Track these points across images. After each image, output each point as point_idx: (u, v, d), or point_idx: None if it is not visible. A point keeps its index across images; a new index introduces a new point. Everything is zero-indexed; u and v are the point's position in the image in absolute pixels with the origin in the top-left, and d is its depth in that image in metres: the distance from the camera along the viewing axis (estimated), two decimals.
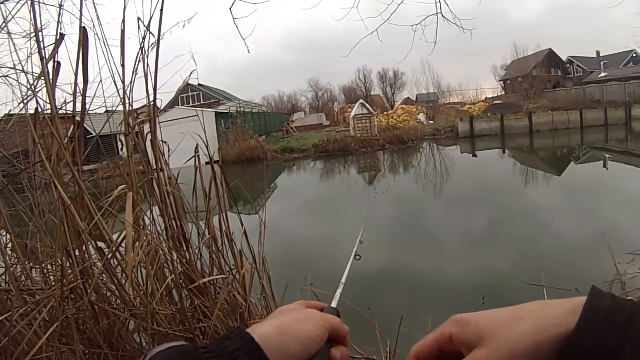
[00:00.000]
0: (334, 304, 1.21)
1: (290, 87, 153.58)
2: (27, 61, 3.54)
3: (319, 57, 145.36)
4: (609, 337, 0.70)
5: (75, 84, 3.34)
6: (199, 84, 69.08)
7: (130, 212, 3.36)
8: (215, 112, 45.60)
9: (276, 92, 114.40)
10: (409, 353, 0.93)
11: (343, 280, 1.37)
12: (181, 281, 3.79)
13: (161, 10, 3.65)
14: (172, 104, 48.46)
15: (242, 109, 52.06)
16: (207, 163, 4.52)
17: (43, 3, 3.57)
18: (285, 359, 0.89)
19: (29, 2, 3.37)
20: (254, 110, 59.65)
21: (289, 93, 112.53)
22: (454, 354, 0.87)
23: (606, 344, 0.70)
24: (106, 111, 4.12)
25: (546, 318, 0.78)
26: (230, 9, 6.01)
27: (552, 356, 0.75)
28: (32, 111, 3.40)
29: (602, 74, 71.07)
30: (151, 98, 3.85)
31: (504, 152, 40.30)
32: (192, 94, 70.86)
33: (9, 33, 3.63)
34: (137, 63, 3.71)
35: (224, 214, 4.29)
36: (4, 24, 3.65)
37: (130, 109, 3.83)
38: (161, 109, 4.77)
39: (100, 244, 3.47)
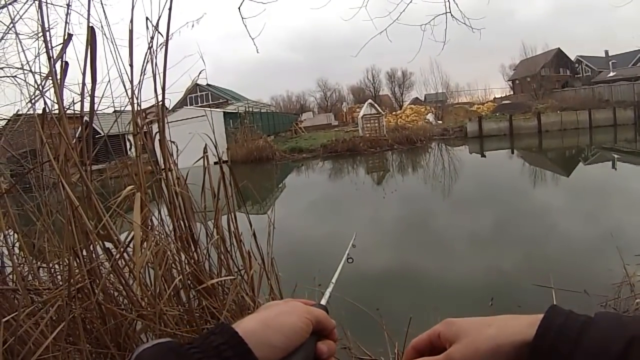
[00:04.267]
0: (323, 302, 1.21)
1: (298, 87, 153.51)
2: (35, 61, 3.55)
3: (327, 57, 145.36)
4: (561, 346, 0.84)
5: (83, 83, 3.35)
6: (208, 84, 69.26)
7: (139, 213, 3.36)
8: (224, 112, 45.64)
9: (284, 92, 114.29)
10: (409, 344, 1.11)
11: (334, 280, 1.40)
12: (189, 282, 3.79)
13: (170, 9, 3.64)
14: (181, 104, 48.57)
15: (250, 109, 52.09)
16: (215, 163, 4.52)
17: (51, 4, 3.58)
18: (268, 352, 0.90)
19: (37, 2, 3.37)
20: (262, 111, 59.69)
21: (297, 93, 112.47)
22: (442, 348, 1.03)
23: (560, 351, 0.84)
24: (115, 111, 4.12)
25: (509, 327, 0.95)
26: (239, 8, 6.00)
27: (510, 357, 0.91)
28: (40, 111, 3.40)
29: (611, 74, 70.83)
30: (159, 98, 3.84)
31: (512, 152, 40.18)
32: (200, 94, 71.04)
33: (16, 34, 3.64)
34: (145, 63, 3.71)
35: (232, 214, 4.29)
36: (12, 24, 3.66)
37: (139, 109, 3.83)
38: (170, 109, 4.77)
39: (107, 244, 3.47)
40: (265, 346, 0.90)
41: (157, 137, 4.03)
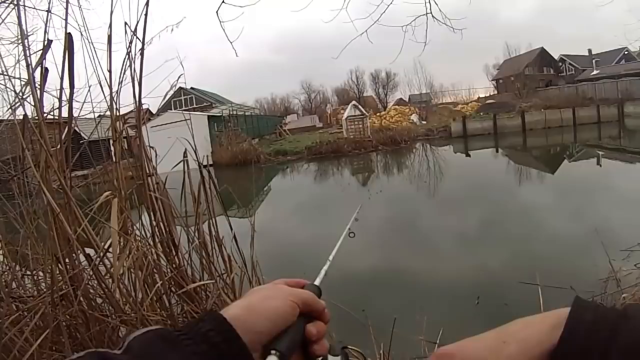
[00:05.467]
0: (317, 281, 1.20)
1: (283, 89, 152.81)
2: (15, 66, 3.53)
3: (311, 59, 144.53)
4: (592, 349, 0.71)
5: (61, 89, 3.33)
6: (192, 88, 69.29)
7: (116, 219, 3.36)
8: (208, 116, 45.61)
9: (269, 94, 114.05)
10: None
11: (331, 257, 1.36)
12: (171, 287, 3.78)
13: (145, 16, 3.64)
14: (165, 108, 48.44)
15: (235, 112, 52.09)
16: (204, 166, 4.52)
17: (32, 7, 3.56)
18: (254, 338, 0.90)
19: (16, 7, 3.36)
20: (247, 114, 59.69)
21: (281, 95, 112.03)
22: None
23: (590, 357, 0.70)
24: (99, 116, 4.11)
25: (530, 337, 0.78)
26: (216, 12, 5.98)
27: None
28: (20, 117, 3.39)
29: (595, 72, 71.29)
30: (138, 104, 3.84)
31: (497, 151, 40.43)
32: (184, 98, 70.87)
33: None
34: (124, 68, 3.70)
35: (213, 219, 4.29)
36: None
37: (118, 114, 3.82)
38: (154, 113, 4.79)
39: (90, 250, 3.46)
40: (250, 332, 0.90)
41: (137, 142, 4.02)
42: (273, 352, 0.91)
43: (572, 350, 0.72)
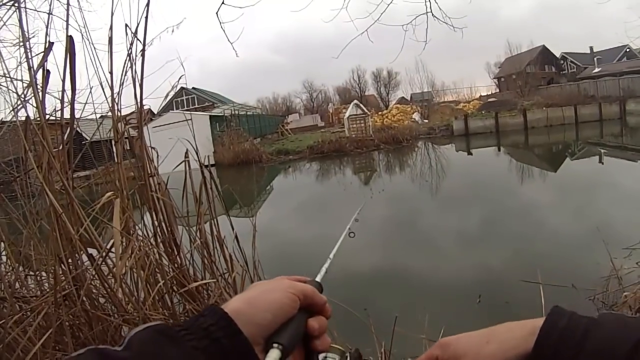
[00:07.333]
0: (318, 278, 1.21)
1: (284, 89, 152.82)
2: (17, 69, 3.54)
3: (313, 59, 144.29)
4: (564, 351, 0.81)
5: (63, 90, 3.35)
6: (194, 88, 69.30)
7: (118, 219, 3.37)
8: (210, 116, 45.53)
9: (271, 94, 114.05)
10: None
11: (331, 256, 1.37)
12: (173, 286, 3.79)
13: (146, 18, 3.65)
14: (167, 108, 48.35)
15: (236, 112, 52.00)
16: (206, 166, 4.53)
17: (33, 9, 3.57)
18: (256, 331, 0.90)
19: (17, 10, 3.37)
20: (248, 113, 59.56)
21: (283, 95, 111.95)
22: None
23: (563, 355, 0.80)
24: (101, 116, 4.12)
25: (509, 340, 0.90)
26: (216, 13, 5.98)
27: None
28: (23, 119, 3.40)
29: (596, 70, 71.04)
30: (139, 105, 3.85)
31: (499, 149, 40.21)
32: (186, 98, 70.86)
33: None
34: (125, 70, 3.72)
35: (215, 219, 4.30)
36: None
37: (119, 115, 3.83)
38: (156, 113, 4.79)
39: (92, 250, 3.47)
40: (252, 325, 0.90)
41: (138, 143, 4.03)
42: (275, 345, 0.91)
43: (545, 353, 0.82)
